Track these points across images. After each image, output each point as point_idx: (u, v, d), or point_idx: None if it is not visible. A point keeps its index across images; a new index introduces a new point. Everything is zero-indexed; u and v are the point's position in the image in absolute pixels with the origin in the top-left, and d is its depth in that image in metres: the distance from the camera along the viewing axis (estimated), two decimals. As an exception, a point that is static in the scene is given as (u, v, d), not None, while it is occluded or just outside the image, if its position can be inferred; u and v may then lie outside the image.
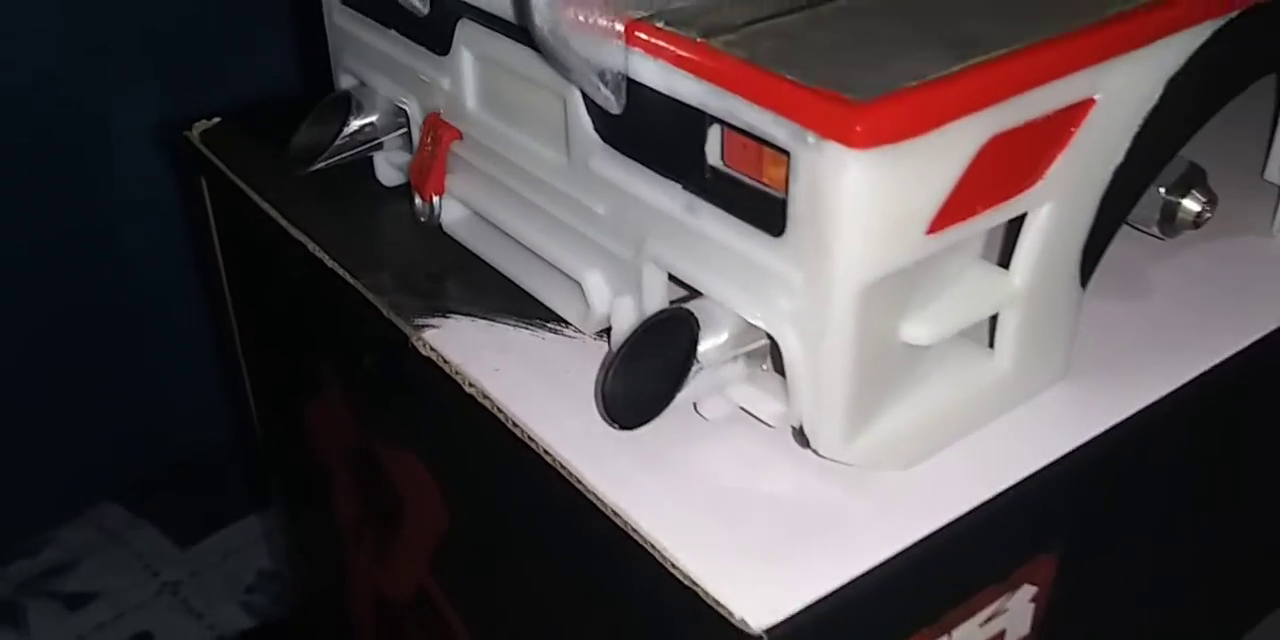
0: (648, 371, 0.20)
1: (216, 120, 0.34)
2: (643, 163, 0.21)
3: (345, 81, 0.29)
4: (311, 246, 0.28)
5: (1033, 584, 0.23)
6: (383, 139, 0.29)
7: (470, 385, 0.23)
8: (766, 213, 0.19)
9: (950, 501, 0.21)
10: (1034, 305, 0.21)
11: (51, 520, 0.73)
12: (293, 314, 0.32)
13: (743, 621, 0.18)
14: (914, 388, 0.21)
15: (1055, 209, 0.20)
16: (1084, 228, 0.21)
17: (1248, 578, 0.31)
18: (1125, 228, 0.25)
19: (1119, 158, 0.21)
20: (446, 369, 0.24)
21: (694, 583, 0.19)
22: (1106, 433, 0.22)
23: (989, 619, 0.22)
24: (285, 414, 0.35)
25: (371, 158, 0.29)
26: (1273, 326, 0.25)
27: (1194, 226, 0.25)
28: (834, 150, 0.17)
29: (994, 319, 0.22)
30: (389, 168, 0.29)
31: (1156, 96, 0.21)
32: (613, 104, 0.21)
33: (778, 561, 0.19)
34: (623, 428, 0.20)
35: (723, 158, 0.20)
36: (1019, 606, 0.23)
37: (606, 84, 0.21)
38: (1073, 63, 0.19)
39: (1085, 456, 0.22)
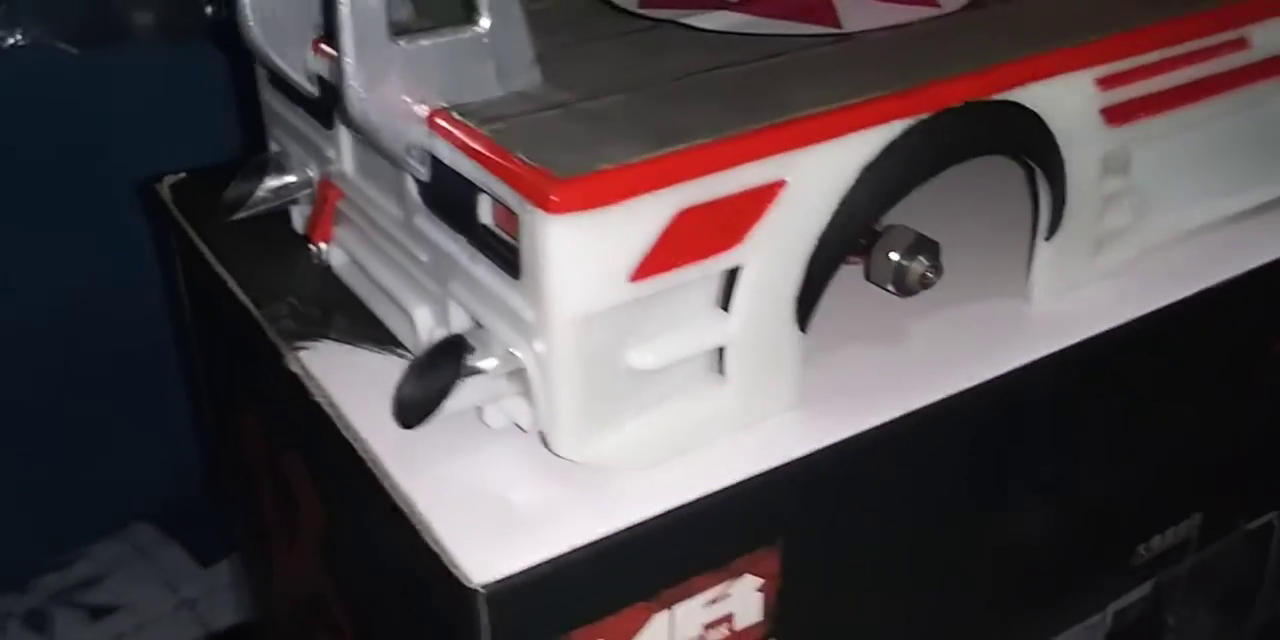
0: (427, 383, 0.25)
1: (183, 175, 0.40)
2: (445, 220, 0.27)
3: (273, 146, 0.36)
4: (230, 281, 0.34)
5: (757, 575, 0.27)
6: (297, 195, 0.35)
7: (320, 394, 0.29)
8: (512, 261, 0.24)
9: (668, 496, 0.26)
10: (749, 343, 0.26)
11: (89, 537, 0.79)
12: (225, 340, 0.38)
13: (468, 578, 0.24)
14: (653, 404, 0.26)
15: (760, 266, 0.26)
16: (794, 282, 0.26)
17: (994, 590, 0.35)
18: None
19: (820, 227, 0.26)
20: (307, 381, 0.30)
21: (441, 548, 0.24)
22: (825, 449, 0.27)
23: (712, 602, 0.27)
24: (227, 429, 0.41)
25: (290, 209, 0.36)
26: (1000, 372, 0.30)
27: (921, 287, 0.29)
28: (540, 214, 0.23)
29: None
30: (300, 218, 0.35)
31: (852, 180, 0.26)
32: (421, 173, 0.27)
33: (510, 535, 0.25)
34: (404, 426, 0.26)
35: (493, 218, 0.26)
36: (745, 593, 0.28)
37: (414, 158, 0.26)
38: (756, 152, 0.24)
39: (804, 467, 0.27)
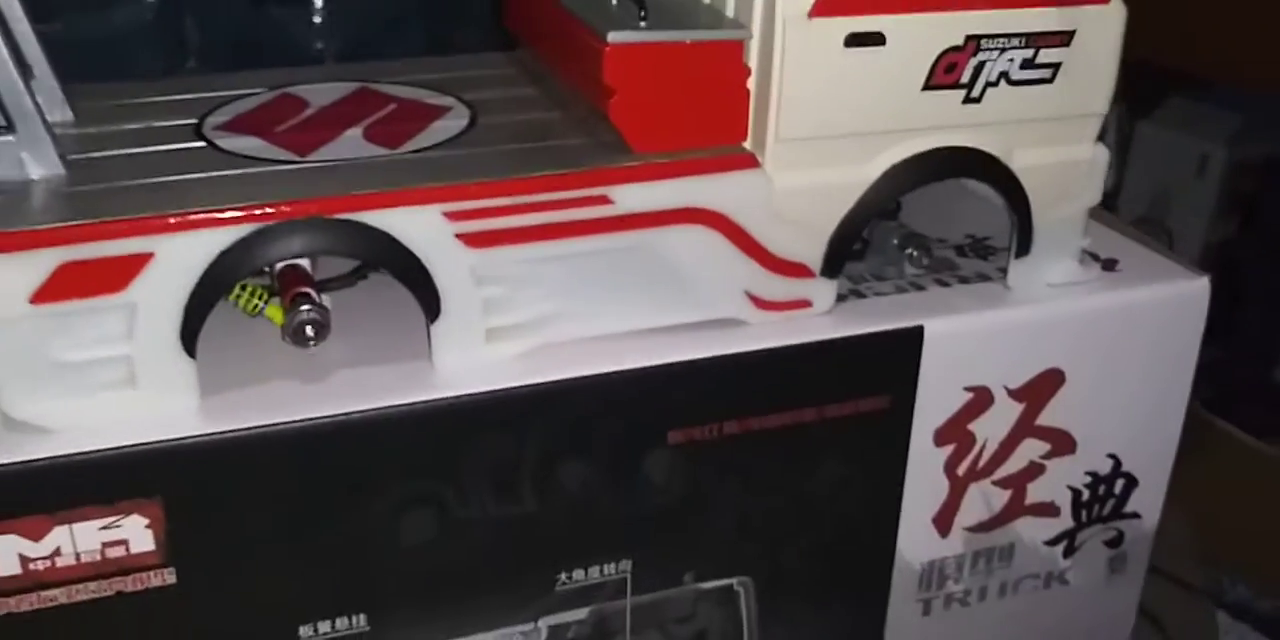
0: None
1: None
2: None
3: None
4: None
5: (143, 515, 0.41)
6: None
7: None
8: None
9: (61, 448, 0.39)
10: (145, 358, 0.40)
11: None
12: None
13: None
14: (90, 387, 0.40)
15: (145, 307, 0.39)
16: (175, 320, 0.40)
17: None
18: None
19: (190, 286, 0.40)
20: None
21: None
22: (192, 437, 0.40)
23: (104, 528, 0.40)
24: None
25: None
26: (366, 407, 0.42)
27: (309, 340, 0.42)
28: None
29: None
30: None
31: (211, 257, 0.39)
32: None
33: None
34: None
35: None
36: (136, 527, 0.41)
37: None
38: (122, 233, 0.38)
39: (175, 446, 0.40)
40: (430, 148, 0.45)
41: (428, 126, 0.47)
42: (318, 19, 0.94)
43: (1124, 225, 0.56)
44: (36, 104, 0.42)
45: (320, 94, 0.51)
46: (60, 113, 0.47)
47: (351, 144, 0.45)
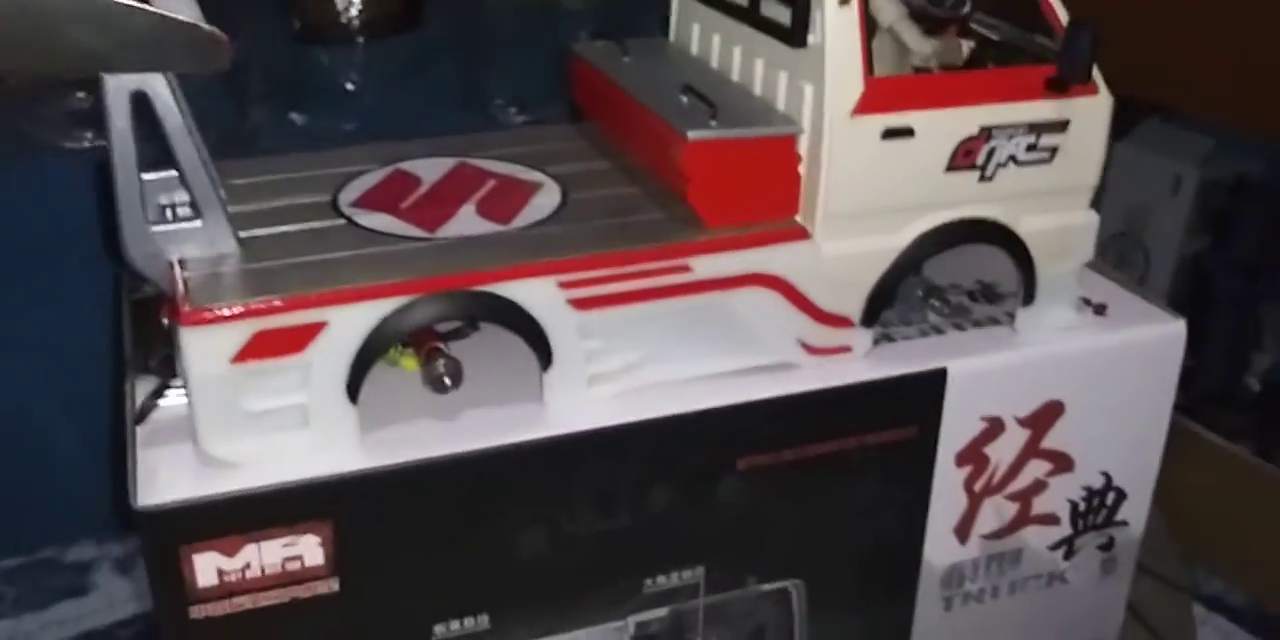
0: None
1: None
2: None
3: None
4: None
5: (316, 534, 0.49)
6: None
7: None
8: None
9: (260, 479, 0.48)
10: (318, 406, 0.49)
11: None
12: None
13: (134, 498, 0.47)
14: (272, 429, 0.49)
15: (319, 365, 0.48)
16: (342, 376, 0.49)
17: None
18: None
19: (356, 348, 0.48)
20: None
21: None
22: (358, 470, 0.49)
23: (286, 545, 0.49)
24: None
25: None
26: (496, 443, 0.51)
27: (448, 386, 0.51)
28: (178, 326, 0.46)
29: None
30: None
31: (374, 323, 0.48)
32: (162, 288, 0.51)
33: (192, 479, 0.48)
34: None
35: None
36: (310, 545, 0.49)
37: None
38: (303, 306, 0.47)
39: (344, 478, 0.49)
40: (537, 223, 0.54)
41: (529, 202, 0.56)
42: (360, 57, 1.03)
43: (1114, 271, 0.66)
44: (219, 192, 0.50)
45: (427, 169, 0.60)
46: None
47: (469, 220, 0.54)
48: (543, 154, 0.61)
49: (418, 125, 0.95)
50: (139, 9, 0.43)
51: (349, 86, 1.01)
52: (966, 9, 0.58)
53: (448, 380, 0.51)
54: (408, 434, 0.51)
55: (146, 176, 0.52)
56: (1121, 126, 1.30)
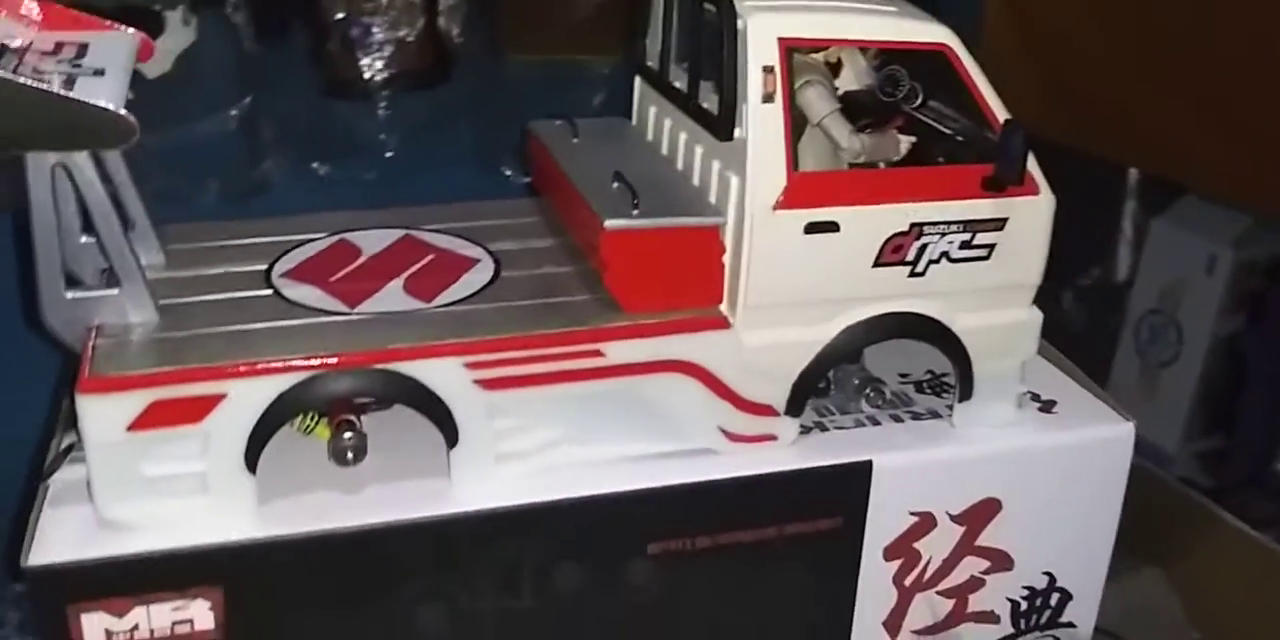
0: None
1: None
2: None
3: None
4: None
5: (206, 599, 0.50)
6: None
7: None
8: (87, 411, 0.49)
9: (149, 543, 0.49)
10: (216, 474, 0.49)
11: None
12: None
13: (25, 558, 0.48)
14: (170, 494, 0.49)
15: (216, 435, 0.49)
16: (239, 446, 0.49)
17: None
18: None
19: (253, 420, 0.49)
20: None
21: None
22: (244, 540, 0.49)
23: (175, 609, 0.49)
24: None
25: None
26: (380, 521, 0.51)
27: (351, 461, 0.51)
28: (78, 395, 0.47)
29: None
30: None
31: (272, 397, 0.49)
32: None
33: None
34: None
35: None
36: (201, 609, 0.50)
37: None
38: (200, 378, 0.48)
39: (229, 547, 0.49)
40: (458, 302, 0.54)
41: (458, 279, 0.56)
42: (381, 113, 1.04)
43: (1069, 364, 0.64)
44: (138, 261, 0.51)
45: (371, 241, 0.60)
46: (155, 256, 0.57)
47: (393, 296, 0.54)
48: (490, 229, 0.62)
49: (431, 181, 0.96)
50: (47, 94, 0.45)
51: (369, 140, 1.02)
52: (918, 102, 0.57)
53: (350, 454, 0.51)
54: (307, 504, 0.52)
55: (86, 239, 0.54)
56: (1157, 203, 1.28)
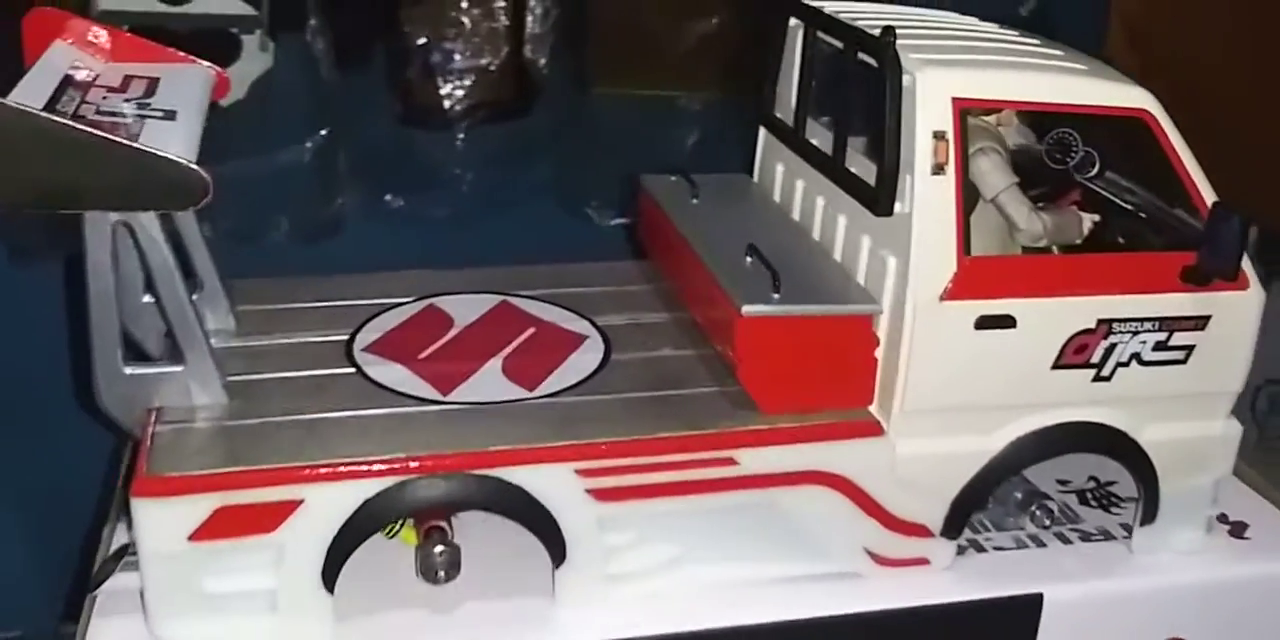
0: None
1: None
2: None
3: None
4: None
5: None
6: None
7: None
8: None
9: None
10: (288, 592, 0.42)
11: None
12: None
13: None
14: (234, 613, 0.43)
15: (292, 546, 0.42)
16: (317, 561, 0.42)
17: None
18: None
19: (334, 530, 0.42)
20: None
21: None
22: None
23: None
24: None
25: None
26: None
27: (443, 579, 0.44)
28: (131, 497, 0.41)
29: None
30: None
31: (356, 506, 0.42)
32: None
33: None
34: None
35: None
36: None
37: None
38: (276, 482, 0.41)
39: None
40: (566, 390, 0.47)
41: (565, 360, 0.49)
42: (460, 144, 0.97)
43: (1261, 480, 0.56)
44: (205, 333, 0.45)
45: (464, 308, 0.53)
46: (224, 319, 0.51)
47: (491, 380, 0.47)
48: (596, 297, 0.54)
49: (510, 218, 0.89)
50: (110, 144, 0.38)
51: (446, 172, 0.96)
52: (1094, 172, 0.49)
53: (442, 572, 0.44)
54: (392, 626, 0.45)
55: (148, 298, 0.47)
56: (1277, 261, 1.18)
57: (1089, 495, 0.54)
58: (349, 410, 0.45)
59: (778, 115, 0.56)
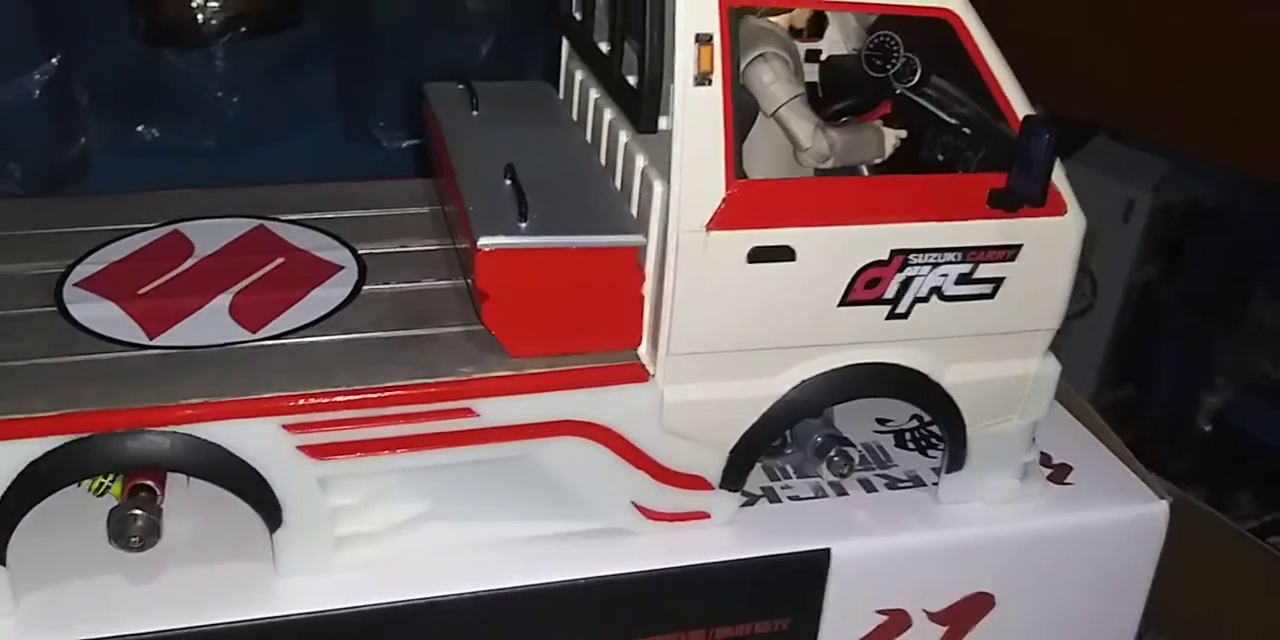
0: None
1: None
2: None
3: None
4: None
5: None
6: None
7: None
8: None
9: None
10: None
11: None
12: None
13: None
14: None
15: None
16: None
17: None
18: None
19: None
20: None
21: None
22: None
23: None
24: None
25: None
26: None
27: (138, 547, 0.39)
28: None
29: None
30: None
31: (22, 467, 0.36)
32: None
33: None
34: None
35: None
36: None
37: None
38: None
39: None
40: (293, 331, 0.41)
41: (305, 295, 0.43)
42: (220, 64, 0.84)
43: (1091, 414, 0.51)
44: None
45: (211, 234, 0.47)
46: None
47: (211, 321, 0.42)
48: (365, 222, 0.48)
49: (287, 147, 0.80)
50: None
51: (206, 95, 0.83)
52: (914, 81, 0.44)
53: (136, 539, 0.39)
54: (78, 600, 0.39)
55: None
56: (1069, 143, 1.14)
57: (907, 436, 0.49)
58: (35, 358, 0.39)
59: (575, 16, 0.49)
